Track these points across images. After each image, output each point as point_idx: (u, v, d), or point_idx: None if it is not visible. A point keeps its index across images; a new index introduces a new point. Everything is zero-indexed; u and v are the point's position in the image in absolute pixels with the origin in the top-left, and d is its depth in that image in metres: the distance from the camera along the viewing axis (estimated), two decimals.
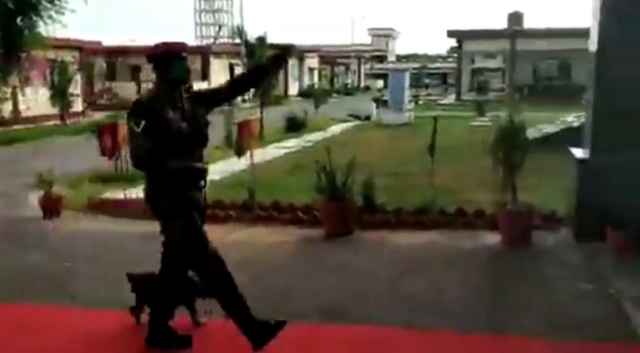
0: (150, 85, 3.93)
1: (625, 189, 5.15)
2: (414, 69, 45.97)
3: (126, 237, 6.07)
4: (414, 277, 4.82)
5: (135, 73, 33.83)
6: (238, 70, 32.12)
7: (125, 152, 7.55)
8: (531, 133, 12.50)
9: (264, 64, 3.94)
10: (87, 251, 5.59)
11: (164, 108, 3.42)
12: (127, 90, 27.93)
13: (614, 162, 5.29)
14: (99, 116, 13.49)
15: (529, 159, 5.65)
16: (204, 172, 3.55)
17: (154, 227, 3.59)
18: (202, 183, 3.57)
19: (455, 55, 41.75)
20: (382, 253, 5.52)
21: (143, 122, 3.34)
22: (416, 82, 40.42)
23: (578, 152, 5.82)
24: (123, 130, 7.57)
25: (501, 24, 38.07)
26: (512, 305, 4.24)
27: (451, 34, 38.07)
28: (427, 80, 52.92)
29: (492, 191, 6.02)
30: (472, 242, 5.78)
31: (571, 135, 9.36)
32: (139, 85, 32.08)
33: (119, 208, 7.16)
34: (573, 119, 12.74)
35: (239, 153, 7.37)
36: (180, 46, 3.58)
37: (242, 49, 17.19)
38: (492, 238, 5.76)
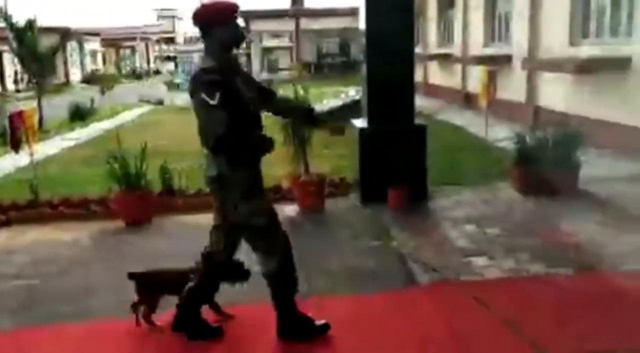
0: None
1: (398, 152, 5.78)
2: None
3: None
4: None
5: None
6: (7, 57, 28.85)
7: None
8: (321, 107, 13.30)
9: (307, 118, 3.72)
10: None
11: (232, 76, 3.05)
12: None
13: (387, 129, 5.90)
14: None
15: (318, 132, 6.01)
16: (274, 144, 3.16)
17: None
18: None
19: None
20: (183, 236, 5.47)
21: (218, 94, 2.89)
22: None
23: (358, 122, 6.35)
24: None
25: (285, 4, 39.58)
26: (309, 267, 4.52)
27: None
28: None
29: (287, 165, 6.32)
30: None
31: (353, 107, 10.19)
32: None
33: None
34: (354, 92, 13.75)
35: (16, 148, 6.69)
36: (233, 5, 3.10)
37: (9, 34, 15.39)
38: (290, 209, 6.06)
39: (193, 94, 3.02)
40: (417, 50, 18.97)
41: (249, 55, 38.62)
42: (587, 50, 8.65)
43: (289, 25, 37.16)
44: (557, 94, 9.47)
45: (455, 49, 15.35)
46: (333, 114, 11.45)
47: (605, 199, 5.79)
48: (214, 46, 3.09)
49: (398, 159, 5.76)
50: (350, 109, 11.10)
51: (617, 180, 6.42)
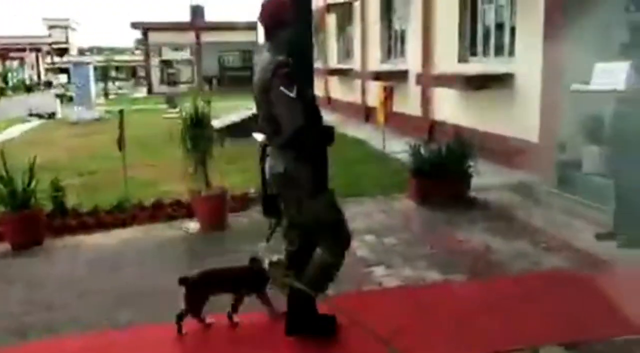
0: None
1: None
2: (100, 62, 43.78)
3: None
4: (110, 276, 4.69)
5: None
6: None
7: None
8: (222, 121, 13.15)
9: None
10: None
11: (298, 71, 3.14)
12: None
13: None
14: None
15: (223, 146, 5.93)
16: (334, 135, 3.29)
17: None
18: None
19: (142, 47, 40.96)
20: (76, 258, 5.21)
21: (295, 87, 2.99)
22: (104, 76, 38.56)
23: (259, 136, 6.33)
24: None
25: (185, 16, 38.89)
26: None
27: (135, 25, 37.24)
28: (115, 74, 50.90)
29: (187, 180, 6.18)
30: (171, 232, 5.86)
31: (255, 121, 10.18)
32: None
33: None
34: None
35: None
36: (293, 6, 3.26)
37: None
38: (191, 226, 5.93)
39: (268, 86, 3.05)
40: (318, 65, 19.31)
41: (148, 69, 37.62)
42: (474, 67, 9.19)
43: (189, 38, 36.62)
44: (449, 108, 9.96)
45: (355, 65, 15.76)
46: (230, 128, 11.41)
47: (493, 206, 6.16)
48: (281, 44, 3.17)
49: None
50: (252, 123, 11.07)
51: (503, 188, 6.85)
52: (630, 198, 4.81)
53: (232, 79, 36.51)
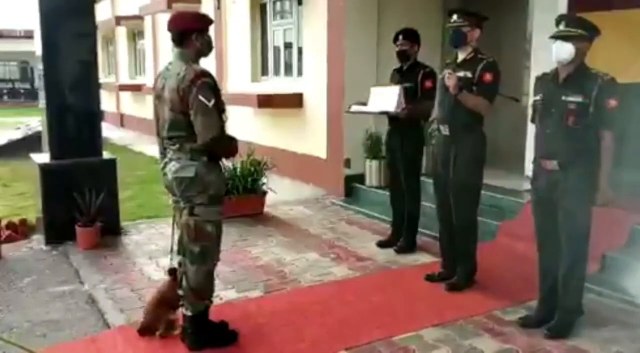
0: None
1: (85, 188, 5.45)
2: None
3: None
4: None
5: None
6: None
7: None
8: None
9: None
10: None
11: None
12: None
13: (73, 163, 5.55)
14: None
15: None
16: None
17: None
18: None
19: None
20: None
21: (213, 96, 3.14)
22: None
23: (39, 157, 5.82)
24: None
25: None
26: None
27: None
28: None
29: None
30: None
31: (39, 140, 9.32)
32: None
33: None
34: (38, 123, 12.61)
35: None
36: (209, 16, 3.42)
37: None
38: None
39: (185, 94, 3.12)
40: (111, 80, 18.39)
41: None
42: (266, 86, 9.50)
43: None
44: (244, 125, 10.13)
45: (147, 80, 15.25)
46: (8, 147, 10.37)
47: (287, 221, 6.40)
48: (191, 53, 3.26)
49: (86, 194, 5.45)
50: (34, 142, 10.18)
51: (297, 202, 7.17)
52: (401, 209, 5.34)
53: (10, 92, 33.17)
